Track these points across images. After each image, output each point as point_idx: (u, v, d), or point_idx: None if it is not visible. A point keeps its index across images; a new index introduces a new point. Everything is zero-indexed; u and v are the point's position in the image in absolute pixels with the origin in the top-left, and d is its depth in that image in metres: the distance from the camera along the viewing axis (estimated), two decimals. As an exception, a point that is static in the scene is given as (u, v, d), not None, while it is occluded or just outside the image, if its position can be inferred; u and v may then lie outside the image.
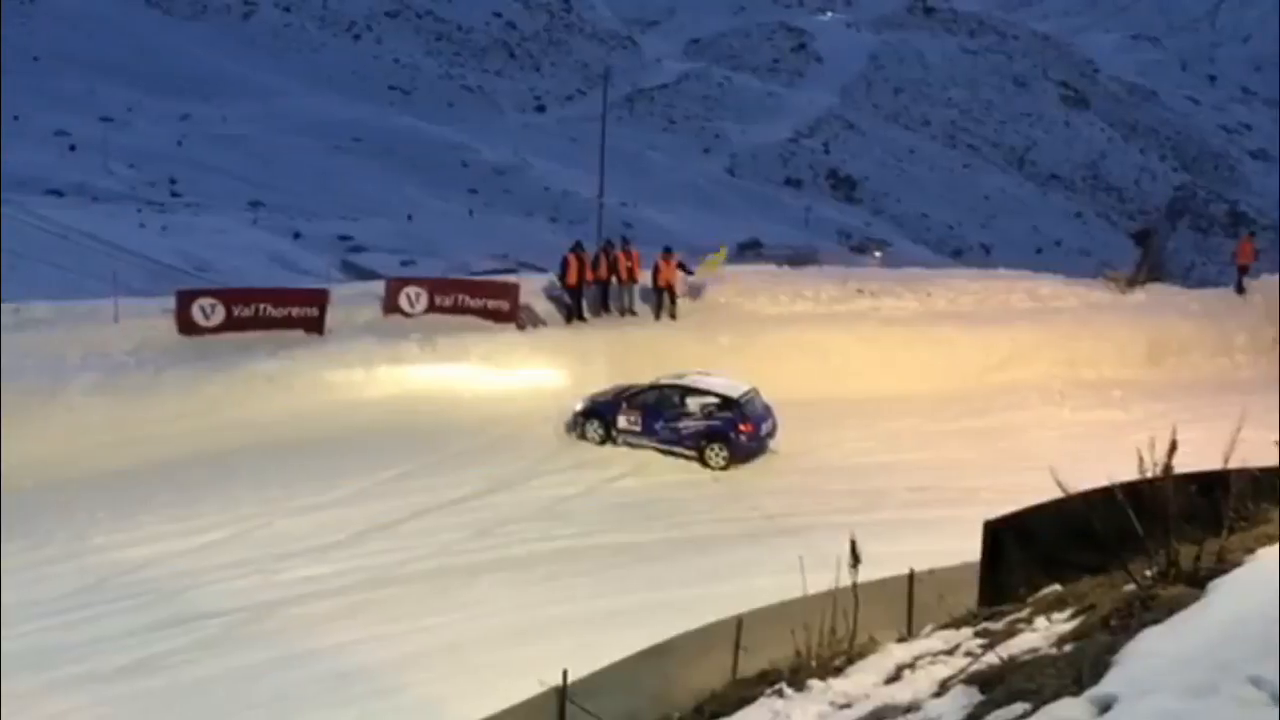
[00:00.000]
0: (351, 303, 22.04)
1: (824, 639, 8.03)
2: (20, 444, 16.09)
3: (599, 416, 18.71)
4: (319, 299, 21.28)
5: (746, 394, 18.49)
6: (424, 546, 15.03)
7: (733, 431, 18.05)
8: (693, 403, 18.36)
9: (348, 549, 14.86)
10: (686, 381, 18.66)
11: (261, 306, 20.74)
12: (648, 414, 18.41)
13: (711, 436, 18.04)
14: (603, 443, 18.57)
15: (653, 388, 18.64)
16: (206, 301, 20.49)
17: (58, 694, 11.42)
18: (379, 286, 23.18)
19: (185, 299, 20.51)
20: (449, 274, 32.68)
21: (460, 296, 22.29)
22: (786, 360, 21.27)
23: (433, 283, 23.29)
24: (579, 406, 18.92)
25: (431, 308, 21.93)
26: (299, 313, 20.79)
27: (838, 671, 7.25)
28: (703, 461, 18.05)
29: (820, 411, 20.01)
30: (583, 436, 18.72)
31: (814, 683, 7.07)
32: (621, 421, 18.53)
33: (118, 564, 13.98)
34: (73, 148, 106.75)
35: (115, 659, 12.05)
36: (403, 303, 21.85)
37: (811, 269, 29.85)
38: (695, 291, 23.60)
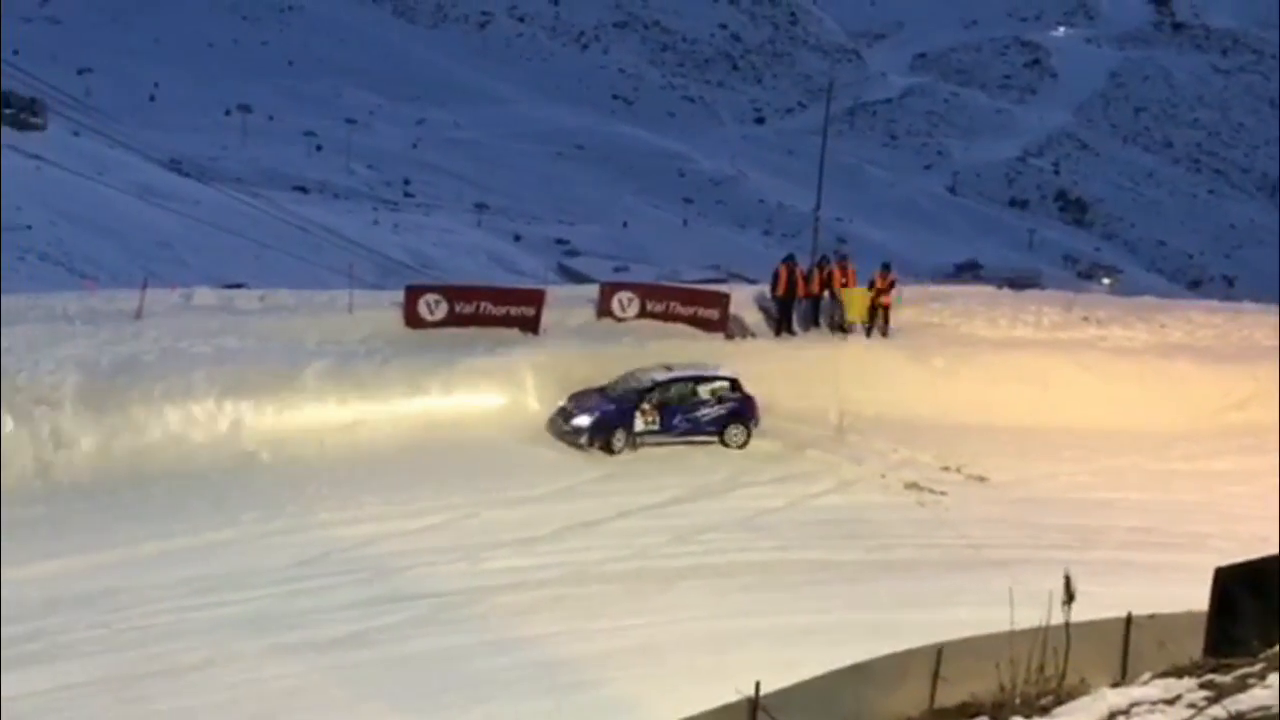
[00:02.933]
0: (566, 304, 22.57)
1: (1031, 676, 7.70)
2: (261, 421, 17.27)
3: (609, 425, 18.32)
4: (536, 299, 21.88)
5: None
6: (624, 548, 15.25)
7: (747, 410, 19.08)
8: (704, 390, 19.07)
9: (550, 544, 15.24)
10: (695, 371, 19.39)
11: (482, 304, 21.46)
12: (665, 410, 18.69)
13: (730, 419, 18.95)
14: (612, 453, 18.23)
15: (669, 382, 18.95)
16: (432, 297, 21.38)
17: (275, 659, 12.15)
18: (593, 290, 23.65)
19: (413, 294, 21.46)
20: (660, 281, 33.07)
21: (671, 303, 22.48)
22: (1003, 385, 20.57)
23: (645, 288, 23.58)
24: (580, 420, 18.35)
25: (643, 313, 22.20)
26: (516, 311, 21.42)
27: (1044, 711, 6.94)
28: (723, 442, 18.86)
29: (1037, 441, 19.25)
30: (603, 446, 18.18)
31: (1018, 720, 6.79)
32: (639, 424, 18.50)
33: (339, 540, 14.77)
34: (319, 148, 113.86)
35: (331, 630, 12.73)
36: (615, 307, 22.21)
37: (1034, 292, 28.70)
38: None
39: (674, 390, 18.93)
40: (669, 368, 19.40)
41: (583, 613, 13.40)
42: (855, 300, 22.37)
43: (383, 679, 11.99)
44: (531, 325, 21.30)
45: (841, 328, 22.66)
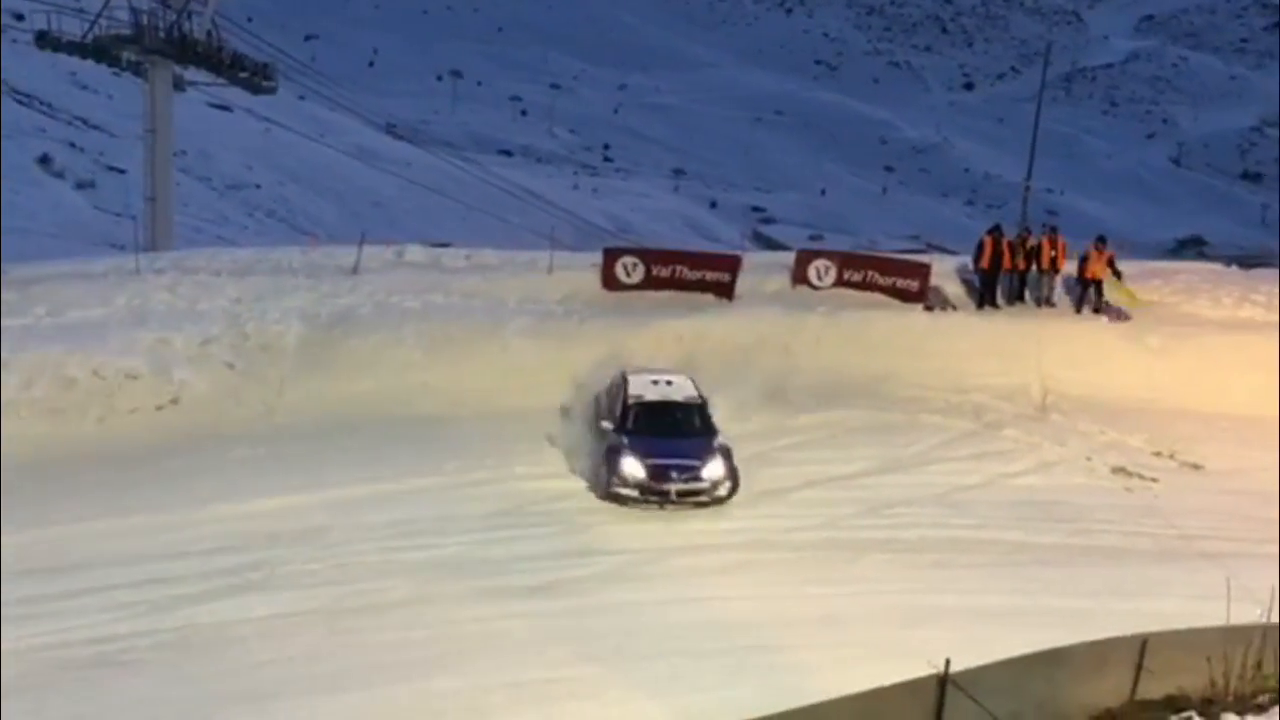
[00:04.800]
0: (761, 272, 22.49)
1: (1247, 673, 7.28)
2: (463, 375, 17.96)
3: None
4: (732, 265, 21.91)
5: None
6: (813, 517, 15.14)
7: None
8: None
9: (740, 509, 15.29)
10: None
11: (678, 268, 21.66)
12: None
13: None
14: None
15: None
16: (629, 260, 21.71)
17: (471, 602, 12.65)
18: (788, 257, 23.48)
19: (611, 256, 21.85)
20: (860, 250, 32.49)
21: (869, 273, 22.12)
22: (1225, 369, 19.37)
23: (842, 257, 23.27)
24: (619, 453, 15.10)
25: (839, 282, 21.93)
26: (712, 277, 21.52)
27: (1260, 710, 6.55)
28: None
29: (1260, 430, 18.03)
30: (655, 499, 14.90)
31: (1230, 717, 6.44)
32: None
33: (534, 493, 15.23)
34: (524, 112, 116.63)
35: (524, 579, 13.17)
36: (811, 275, 22.01)
37: (1264, 272, 26.77)
38: (1115, 313, 21.56)
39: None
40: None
41: (767, 579, 13.41)
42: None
43: (570, 628, 12.34)
44: (727, 291, 21.36)
45: (1050, 302, 21.78)
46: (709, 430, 15.80)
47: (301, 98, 69.87)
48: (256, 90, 31.31)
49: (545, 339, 19.19)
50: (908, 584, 13.45)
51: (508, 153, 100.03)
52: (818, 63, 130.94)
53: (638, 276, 21.47)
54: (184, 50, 27.51)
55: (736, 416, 17.79)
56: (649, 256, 22.20)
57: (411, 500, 14.81)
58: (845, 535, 14.74)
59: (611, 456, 15.03)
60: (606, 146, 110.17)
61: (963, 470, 16.82)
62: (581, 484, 15.64)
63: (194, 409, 17.17)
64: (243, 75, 29.77)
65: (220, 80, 29.92)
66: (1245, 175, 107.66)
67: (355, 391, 17.77)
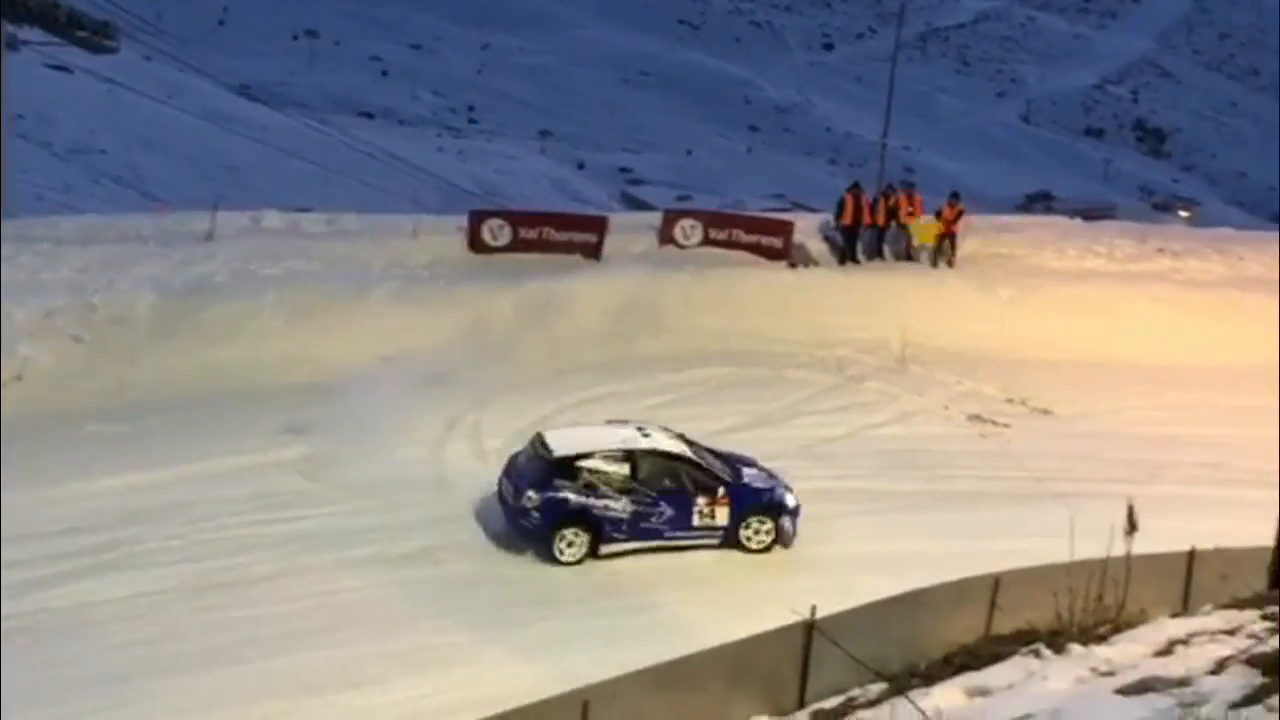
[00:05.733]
0: (628, 232, 22.56)
1: (1089, 606, 7.70)
2: (328, 343, 17.58)
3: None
4: (599, 226, 21.93)
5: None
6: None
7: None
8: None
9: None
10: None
11: (545, 230, 21.58)
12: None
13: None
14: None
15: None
16: (496, 222, 21.52)
17: (342, 573, 12.49)
18: (655, 217, 23.60)
19: (476, 219, 21.61)
20: (725, 210, 32.86)
21: (734, 231, 22.39)
22: (1071, 318, 20.26)
23: (708, 216, 23.51)
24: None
25: (705, 241, 22.14)
26: (579, 238, 21.49)
27: (1102, 639, 6.96)
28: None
29: (1104, 375, 18.96)
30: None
31: (1075, 647, 6.82)
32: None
33: (407, 460, 15.01)
34: (385, 73, 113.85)
35: (399, 546, 13.04)
36: (678, 235, 22.17)
37: (1107, 224, 28.06)
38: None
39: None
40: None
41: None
42: (925, 229, 22.09)
43: (447, 594, 12.28)
44: (594, 252, 21.37)
45: (908, 257, 22.41)
46: None
47: (148, 58, 66.78)
48: (97, 50, 30.01)
49: (412, 304, 18.91)
50: (777, 535, 13.76)
51: (369, 115, 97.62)
52: (681, 22, 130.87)
53: (504, 239, 21.30)
54: (15, 6, 25.99)
55: (608, 377, 17.91)
56: (515, 219, 22.05)
57: (277, 472, 14.50)
58: (717, 491, 14.96)
59: None
60: (471, 108, 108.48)
61: (827, 423, 17.26)
62: (455, 448, 15.52)
63: (40, 386, 16.39)
64: (81, 34, 28.45)
65: (56, 39, 28.42)
66: (1089, 132, 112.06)
67: (214, 362, 17.22)
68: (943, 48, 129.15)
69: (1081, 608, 7.69)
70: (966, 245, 22.42)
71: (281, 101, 76.54)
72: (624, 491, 12.98)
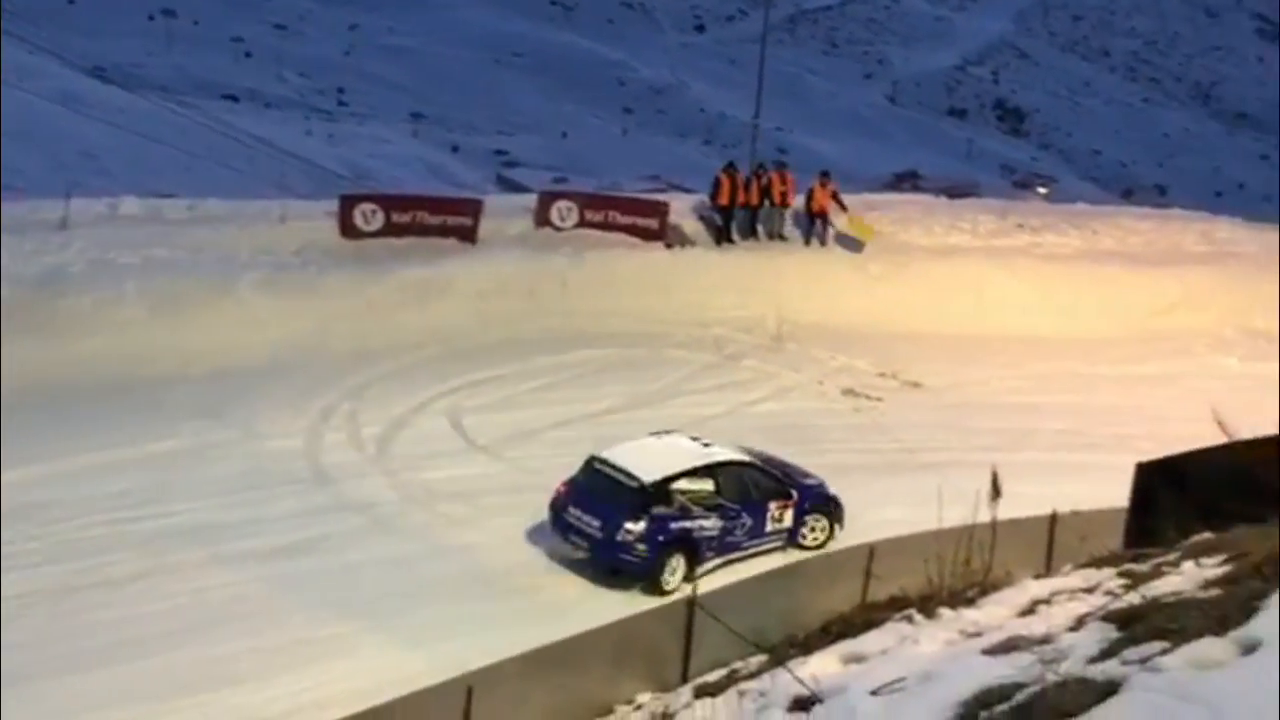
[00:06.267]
0: (504, 215, 22.36)
1: (957, 570, 7.96)
2: (194, 333, 17.01)
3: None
4: (473, 209, 21.67)
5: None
6: (564, 456, 15.28)
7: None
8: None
9: (492, 453, 15.31)
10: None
11: (419, 214, 21.20)
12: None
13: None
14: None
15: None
16: (367, 206, 21.06)
17: (219, 568, 12.17)
18: (531, 200, 23.42)
19: (348, 203, 21.12)
20: (601, 191, 32.82)
21: (610, 213, 22.37)
22: (938, 293, 20.85)
23: (584, 198, 23.41)
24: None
25: (582, 223, 22.07)
26: (454, 222, 21.20)
27: (969, 602, 7.21)
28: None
29: (971, 347, 19.59)
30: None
31: (944, 611, 7.05)
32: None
33: (278, 452, 14.71)
34: (248, 54, 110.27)
35: (273, 539, 12.75)
36: (554, 217, 22.06)
37: (970, 201, 28.92)
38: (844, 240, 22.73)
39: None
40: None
41: (521, 521, 13.52)
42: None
43: (325, 586, 12.06)
44: (469, 235, 21.12)
45: (782, 235, 22.75)
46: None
47: (-9, 39, 63.40)
48: (-66, 30, 28.23)
49: (282, 292, 18.41)
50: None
51: (232, 98, 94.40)
52: (553, 3, 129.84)
53: (377, 223, 20.86)
54: None
55: (486, 361, 17.78)
56: (388, 203, 21.62)
57: (143, 468, 13.99)
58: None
59: None
60: (340, 90, 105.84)
61: (706, 401, 17.46)
62: (331, 439, 15.22)
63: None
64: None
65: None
66: (951, 112, 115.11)
67: (73, 355, 16.46)
68: (811, 30, 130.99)
69: (951, 573, 7.96)
70: (838, 224, 22.86)
71: (139, 84, 73.48)
72: (711, 509, 12.64)
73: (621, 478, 12.43)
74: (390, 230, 20.76)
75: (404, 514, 13.70)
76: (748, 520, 12.84)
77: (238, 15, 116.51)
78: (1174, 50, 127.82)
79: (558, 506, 12.72)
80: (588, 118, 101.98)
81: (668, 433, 13.81)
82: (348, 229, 20.63)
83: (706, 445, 13.32)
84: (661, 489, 12.35)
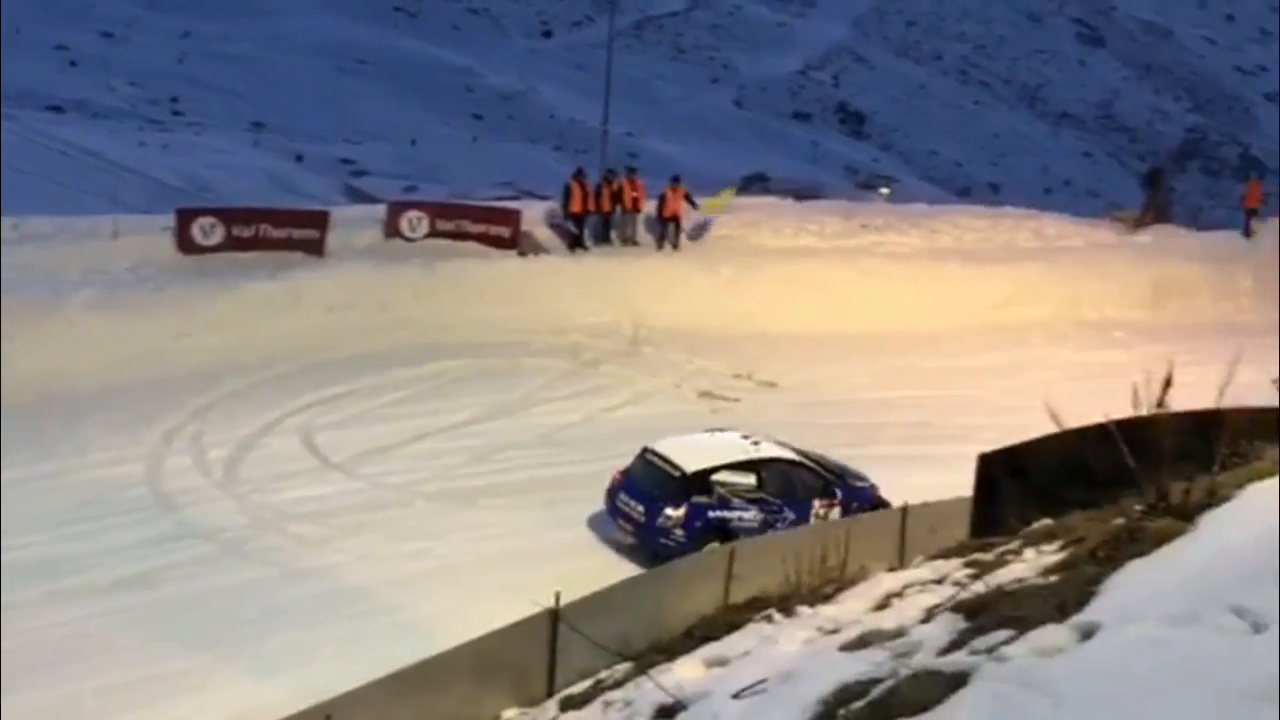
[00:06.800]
0: (352, 226, 21.91)
1: (815, 568, 8.11)
2: (21, 357, 16.09)
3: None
4: (319, 221, 21.19)
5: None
6: (422, 470, 15.12)
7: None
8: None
9: (347, 470, 14.95)
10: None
11: (261, 227, 20.64)
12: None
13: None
14: None
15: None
16: (206, 220, 20.39)
17: (57, 604, 11.55)
18: (380, 210, 23.05)
19: (185, 217, 20.42)
20: (452, 200, 32.47)
21: (461, 222, 22.18)
22: (789, 293, 21.25)
23: (434, 207, 23.17)
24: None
25: (432, 233, 21.81)
26: (299, 234, 20.70)
27: (827, 599, 7.34)
28: None
29: (821, 346, 20.01)
30: None
31: (803, 609, 7.16)
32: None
33: (118, 479, 14.06)
34: (73, 63, 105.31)
35: (114, 572, 12.18)
36: (404, 227, 21.73)
37: (817, 203, 29.63)
38: (699, 231, 23.32)
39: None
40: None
41: (379, 538, 13.24)
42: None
43: (172, 618, 11.56)
44: (316, 248, 20.64)
45: (634, 240, 22.88)
46: None
47: None
48: None
49: (116, 311, 17.62)
50: (520, 525, 13.78)
51: (58, 108, 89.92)
52: (397, 9, 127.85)
53: (217, 238, 20.20)
54: None
55: (338, 376, 17.36)
56: (228, 216, 20.97)
57: (-32, 503, 13.15)
58: (456, 485, 14.86)
59: None
60: (174, 99, 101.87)
61: (565, 409, 17.41)
62: (174, 463, 14.61)
63: None
64: None
65: None
66: (796, 115, 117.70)
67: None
68: (658, 35, 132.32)
69: (808, 570, 8.11)
70: (689, 227, 23.14)
71: (-46, 95, 69.32)
72: (753, 501, 13.06)
73: (666, 467, 13.14)
74: (232, 244, 20.15)
75: (254, 538, 13.24)
76: (790, 515, 13.19)
77: (61, 22, 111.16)
78: (1001, 54, 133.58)
79: (611, 493, 13.50)
80: (436, 125, 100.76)
81: (721, 430, 14.45)
82: (186, 244, 19.93)
83: (755, 443, 13.86)
84: (702, 479, 13.00)
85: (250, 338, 17.93)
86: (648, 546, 12.95)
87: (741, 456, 13.42)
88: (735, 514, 13.00)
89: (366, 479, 14.76)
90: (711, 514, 12.93)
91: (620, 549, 13.41)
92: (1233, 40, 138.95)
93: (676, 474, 13.04)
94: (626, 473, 13.58)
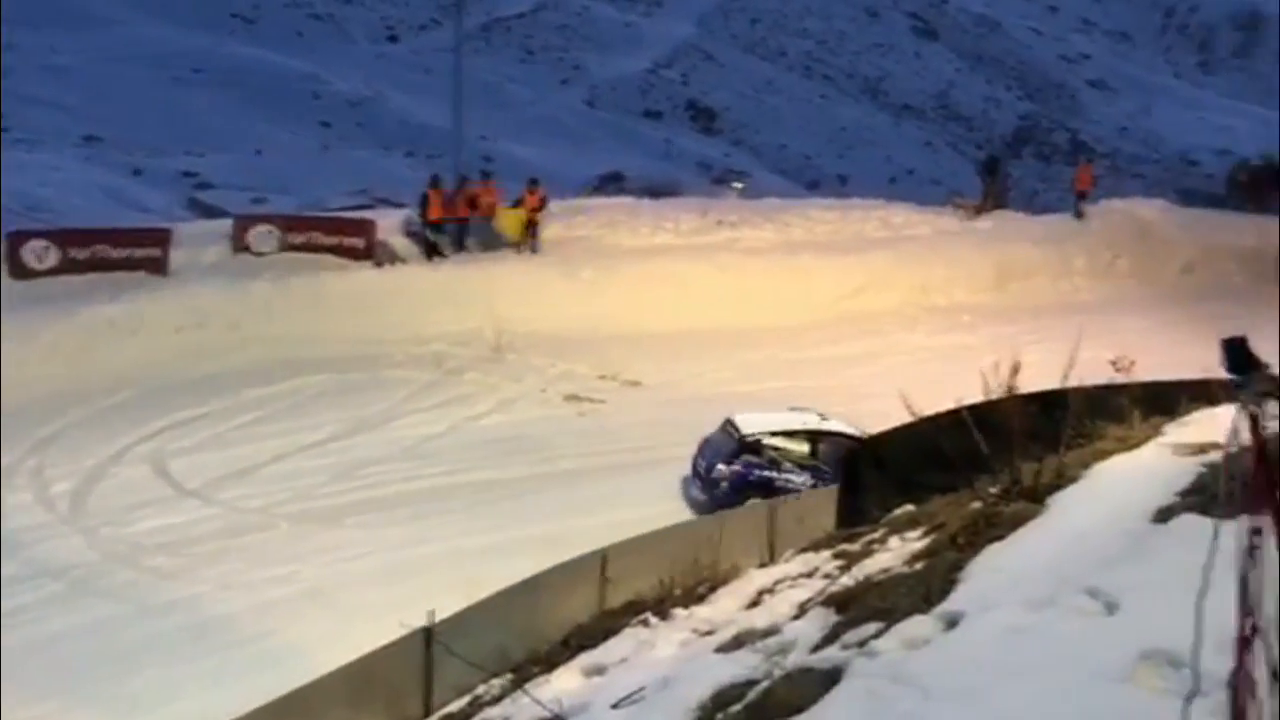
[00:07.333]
0: (197, 242, 21.19)
1: (687, 568, 8.15)
2: None
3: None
4: (160, 238, 20.45)
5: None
6: (284, 491, 14.70)
7: None
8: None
9: (203, 496, 14.43)
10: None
11: (98, 248, 19.83)
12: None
13: None
14: None
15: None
16: (38, 244, 19.49)
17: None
18: (226, 225, 22.35)
19: (16, 241, 19.46)
20: (303, 211, 31.66)
21: (314, 234, 21.69)
22: (648, 292, 21.37)
23: (285, 220, 22.60)
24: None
25: (284, 246, 21.26)
26: (140, 254, 19.92)
27: (701, 599, 7.38)
28: None
29: (683, 343, 20.19)
30: None
31: (678, 611, 7.18)
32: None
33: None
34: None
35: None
36: (253, 241, 21.11)
37: (672, 201, 29.84)
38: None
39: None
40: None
41: (241, 565, 12.82)
42: (510, 219, 22.43)
43: (24, 662, 10.95)
44: (159, 267, 19.90)
45: (492, 246, 22.67)
46: None
47: None
48: None
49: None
50: (388, 541, 13.54)
51: None
52: (234, 16, 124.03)
53: (52, 261, 19.30)
54: None
55: (189, 399, 16.74)
56: (63, 238, 20.06)
57: None
58: (320, 504, 14.51)
59: None
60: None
61: (430, 420, 17.17)
62: (18, 499, 13.84)
63: None
64: None
65: None
66: (648, 114, 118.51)
67: None
68: (506, 37, 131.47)
69: (682, 572, 8.14)
70: (548, 230, 23.05)
71: None
72: (804, 467, 14.46)
73: (731, 431, 14.79)
74: (68, 267, 19.30)
75: (107, 574, 12.68)
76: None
77: None
78: (842, 49, 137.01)
79: (695, 457, 15.03)
80: (282, 134, 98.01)
81: (802, 409, 15.49)
82: (17, 269, 18.99)
83: (824, 419, 15.13)
84: (755, 442, 14.59)
85: (93, 364, 17.16)
86: (705, 499, 14.36)
87: (796, 426, 14.87)
88: (784, 476, 14.45)
89: (225, 504, 14.28)
90: (758, 473, 14.46)
91: (496, 557, 13.22)
92: (1057, 30, 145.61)
93: (735, 437, 14.69)
94: (707, 439, 15.13)
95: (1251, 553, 1.56)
